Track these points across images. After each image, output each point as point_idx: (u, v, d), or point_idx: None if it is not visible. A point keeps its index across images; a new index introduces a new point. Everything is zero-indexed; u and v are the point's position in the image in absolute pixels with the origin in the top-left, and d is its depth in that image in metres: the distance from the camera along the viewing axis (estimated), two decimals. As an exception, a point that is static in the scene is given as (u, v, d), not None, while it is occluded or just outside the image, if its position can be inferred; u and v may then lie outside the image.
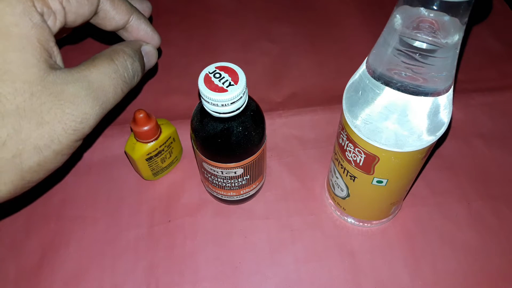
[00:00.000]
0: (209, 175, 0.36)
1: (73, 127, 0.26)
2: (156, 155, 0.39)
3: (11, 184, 0.26)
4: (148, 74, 0.51)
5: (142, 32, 0.33)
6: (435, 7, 0.22)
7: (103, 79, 0.28)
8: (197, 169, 0.42)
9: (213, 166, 0.34)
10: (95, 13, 0.30)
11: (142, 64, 0.32)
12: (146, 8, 0.35)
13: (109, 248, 0.38)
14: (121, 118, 0.47)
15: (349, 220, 0.39)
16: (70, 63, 0.29)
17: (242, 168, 0.35)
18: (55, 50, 0.27)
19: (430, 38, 0.24)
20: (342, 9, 0.58)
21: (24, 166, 0.25)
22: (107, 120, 0.47)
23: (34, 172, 0.26)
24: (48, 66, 0.25)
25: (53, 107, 0.25)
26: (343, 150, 0.32)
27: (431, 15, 0.23)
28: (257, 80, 0.50)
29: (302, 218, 0.40)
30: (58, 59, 0.27)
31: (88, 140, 0.45)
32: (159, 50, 0.36)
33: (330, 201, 0.40)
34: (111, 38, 0.35)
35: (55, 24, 0.27)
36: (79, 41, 0.53)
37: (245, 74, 0.31)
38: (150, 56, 0.34)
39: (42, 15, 0.25)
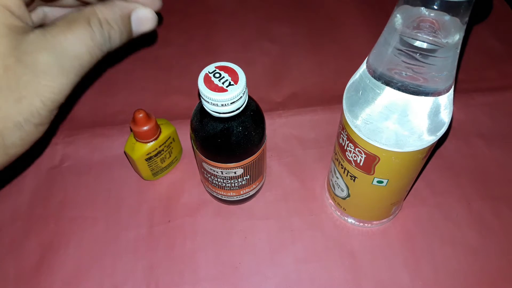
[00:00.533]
0: (209, 175, 0.36)
1: (51, 98, 0.25)
2: (155, 155, 0.39)
3: None
4: (150, 73, 0.51)
5: None
6: (435, 7, 0.22)
7: (79, 47, 0.26)
8: (197, 169, 0.42)
9: (213, 166, 0.34)
10: None
11: (126, 31, 0.29)
12: (157, 2, 0.31)
13: (109, 248, 0.38)
14: (121, 118, 0.47)
15: (350, 220, 0.39)
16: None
17: (242, 168, 0.35)
18: (25, 14, 0.25)
19: (430, 38, 0.24)
20: (342, 9, 0.58)
21: (7, 143, 0.25)
22: (107, 120, 0.47)
23: (18, 146, 0.26)
24: (19, 32, 0.24)
25: (30, 81, 0.24)
26: (343, 150, 0.32)
27: (432, 14, 0.23)
28: (257, 80, 0.50)
29: (302, 218, 0.40)
30: (30, 17, 0.25)
31: (89, 140, 0.45)
32: (160, 16, 0.32)
33: (330, 201, 0.40)
34: None
35: None
36: None
37: (245, 74, 0.31)
38: (143, 21, 0.30)
39: None
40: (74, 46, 0.25)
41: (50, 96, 0.25)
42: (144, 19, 0.30)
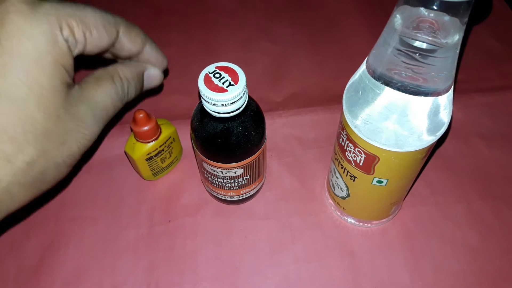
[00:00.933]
0: (209, 175, 0.36)
1: (84, 144, 0.30)
2: (156, 155, 0.39)
3: (32, 196, 0.29)
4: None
5: (152, 59, 0.36)
6: (435, 7, 0.22)
7: (106, 100, 0.31)
8: (197, 169, 0.42)
9: (213, 166, 0.34)
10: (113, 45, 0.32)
11: (140, 86, 0.35)
12: (163, 61, 0.37)
13: (109, 248, 0.38)
14: (121, 118, 0.47)
15: (349, 220, 0.39)
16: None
17: (242, 168, 0.35)
18: (72, 72, 0.29)
19: (430, 38, 0.24)
20: (342, 9, 0.58)
21: (45, 181, 0.29)
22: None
23: (48, 183, 0.29)
24: (68, 88, 0.28)
25: (72, 129, 0.28)
26: (343, 150, 0.32)
27: (431, 15, 0.23)
28: (257, 80, 0.50)
29: (302, 218, 0.40)
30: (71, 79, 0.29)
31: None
32: (165, 71, 0.38)
33: (330, 201, 0.40)
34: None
35: (76, 51, 0.29)
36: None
37: (245, 74, 0.31)
38: (153, 79, 0.36)
39: (67, 41, 0.27)
40: (102, 99, 0.30)
41: (84, 142, 0.30)
42: (153, 76, 0.36)
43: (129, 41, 0.32)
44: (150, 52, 0.35)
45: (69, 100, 0.28)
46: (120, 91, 0.32)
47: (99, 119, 0.30)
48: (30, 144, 0.26)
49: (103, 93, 0.31)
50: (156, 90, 0.48)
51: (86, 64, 0.34)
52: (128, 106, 0.47)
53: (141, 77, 0.35)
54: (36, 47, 0.25)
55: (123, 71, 0.33)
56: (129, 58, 0.35)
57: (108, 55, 0.34)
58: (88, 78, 0.31)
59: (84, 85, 0.30)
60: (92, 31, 0.29)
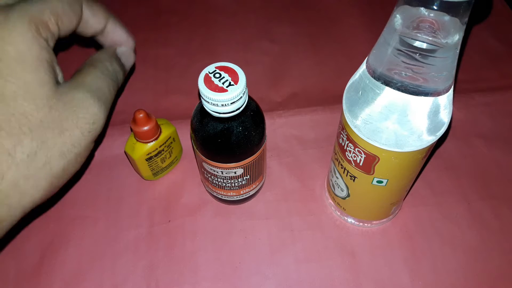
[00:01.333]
0: (209, 175, 0.36)
1: (88, 129, 0.30)
2: (156, 155, 0.39)
3: (43, 190, 0.29)
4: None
5: (117, 35, 0.36)
6: (435, 7, 0.22)
7: (96, 82, 0.32)
8: (197, 169, 0.42)
9: (213, 166, 0.34)
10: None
11: (120, 64, 0.36)
12: (128, 39, 0.38)
13: (109, 248, 0.38)
14: (121, 118, 0.47)
15: (349, 220, 0.39)
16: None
17: (242, 168, 0.35)
18: (57, 68, 0.30)
19: (430, 38, 0.24)
20: (342, 9, 0.58)
21: (53, 172, 0.29)
22: (108, 120, 0.47)
23: (60, 177, 0.30)
24: (56, 82, 0.29)
25: (69, 116, 0.29)
26: (343, 150, 0.32)
27: (431, 15, 0.23)
28: (257, 80, 0.50)
29: (302, 218, 0.40)
30: (60, 76, 0.31)
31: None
32: (135, 52, 0.39)
33: (330, 201, 0.40)
34: (90, 43, 0.38)
35: (52, 42, 0.30)
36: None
37: (245, 74, 0.31)
38: (126, 56, 0.38)
39: (43, 37, 0.28)
40: (93, 82, 0.31)
41: (87, 126, 0.30)
42: (125, 54, 0.38)
43: (92, 15, 0.33)
44: (114, 29, 0.36)
45: (60, 90, 0.29)
46: (105, 70, 0.33)
47: (99, 100, 0.31)
48: (27, 135, 0.27)
49: (91, 76, 0.32)
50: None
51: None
52: (128, 106, 0.48)
53: (116, 56, 0.36)
54: (17, 50, 0.27)
55: (97, 56, 0.35)
56: (95, 37, 0.36)
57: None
58: (74, 74, 0.32)
59: (72, 78, 0.31)
60: (63, 18, 0.30)
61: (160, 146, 0.39)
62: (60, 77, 0.30)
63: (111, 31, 0.36)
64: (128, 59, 0.38)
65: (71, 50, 0.54)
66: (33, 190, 0.28)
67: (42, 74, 0.28)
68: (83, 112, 0.30)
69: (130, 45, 0.38)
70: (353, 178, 0.33)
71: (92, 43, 0.37)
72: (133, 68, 0.50)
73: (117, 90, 0.35)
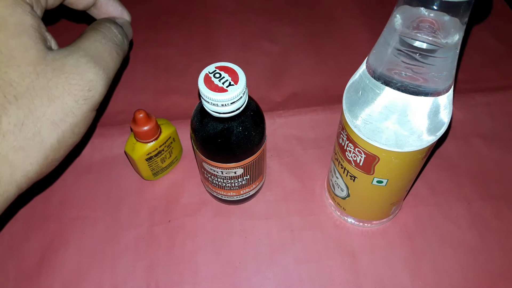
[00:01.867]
0: (209, 175, 0.36)
1: (83, 96, 0.27)
2: (156, 155, 0.39)
3: (36, 164, 0.27)
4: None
5: (111, 8, 0.35)
6: (435, 7, 0.22)
7: (96, 46, 0.29)
8: (197, 169, 0.42)
9: (213, 166, 0.34)
10: None
11: (123, 31, 0.34)
12: (122, 11, 0.36)
13: (109, 248, 0.38)
14: (121, 118, 0.47)
15: (349, 220, 0.39)
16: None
17: (242, 168, 0.35)
18: (48, 35, 0.28)
19: (430, 38, 0.24)
20: (342, 9, 0.58)
21: (45, 144, 0.27)
22: (107, 120, 0.47)
23: (56, 149, 0.27)
24: (45, 47, 0.27)
25: (59, 82, 0.27)
26: (343, 150, 0.32)
27: (431, 15, 0.23)
28: (257, 80, 0.50)
29: (302, 218, 0.40)
30: (53, 43, 0.29)
31: (87, 136, 0.45)
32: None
33: (330, 201, 0.40)
34: (84, 18, 0.37)
35: (41, 10, 0.28)
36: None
37: (245, 74, 0.31)
38: (126, 27, 0.35)
39: (31, 6, 0.27)
40: (91, 46, 0.29)
41: (81, 93, 0.27)
42: (125, 25, 0.35)
43: None
44: (108, 1, 0.34)
45: (51, 56, 0.27)
46: (108, 34, 0.31)
47: (96, 66, 0.28)
48: (13, 104, 0.25)
49: (89, 41, 0.29)
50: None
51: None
52: (128, 106, 0.48)
53: (117, 24, 0.34)
54: None
55: (101, 20, 0.33)
56: (88, 10, 0.34)
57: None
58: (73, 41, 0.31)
59: (71, 44, 0.29)
60: None
61: (160, 146, 0.39)
62: (53, 44, 0.28)
63: (105, 3, 0.34)
64: (128, 29, 0.35)
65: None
66: (25, 164, 0.26)
67: (25, 39, 0.26)
68: (77, 79, 0.27)
69: (126, 18, 0.36)
70: (353, 178, 0.33)
71: (86, 17, 0.36)
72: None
73: (123, 58, 0.32)
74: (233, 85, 0.30)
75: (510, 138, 0.45)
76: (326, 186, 0.41)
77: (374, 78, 0.27)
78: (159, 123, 0.39)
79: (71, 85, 0.27)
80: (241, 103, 0.31)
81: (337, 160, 0.34)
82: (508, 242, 0.38)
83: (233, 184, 0.37)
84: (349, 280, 0.36)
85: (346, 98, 0.30)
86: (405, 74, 0.25)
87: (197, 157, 0.36)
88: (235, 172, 0.35)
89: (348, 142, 0.30)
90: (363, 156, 0.30)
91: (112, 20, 0.33)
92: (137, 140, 0.38)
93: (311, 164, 0.43)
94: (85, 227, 0.39)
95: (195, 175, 0.42)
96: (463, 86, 0.48)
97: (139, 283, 0.36)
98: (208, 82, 0.30)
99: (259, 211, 0.40)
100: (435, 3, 0.22)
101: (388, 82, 0.26)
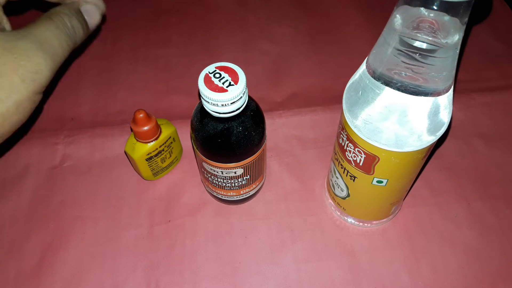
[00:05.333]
0: (209, 175, 0.36)
1: (30, 77, 0.29)
2: (156, 155, 0.39)
3: None
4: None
5: None
6: (435, 7, 0.22)
7: (47, 35, 0.31)
8: (197, 169, 0.42)
9: (213, 166, 0.34)
10: None
11: (82, 21, 0.34)
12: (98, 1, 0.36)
13: (109, 248, 0.38)
14: (121, 118, 0.47)
15: (349, 220, 0.39)
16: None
17: (242, 168, 0.35)
18: (4, 18, 0.30)
19: (430, 38, 0.24)
20: (343, 9, 0.58)
21: None
22: (108, 120, 0.47)
23: (0, 124, 0.29)
24: None
25: (7, 61, 0.28)
26: (343, 150, 0.32)
27: (431, 15, 0.23)
28: (257, 80, 0.50)
29: (302, 218, 0.40)
30: (7, 26, 0.30)
31: (86, 136, 0.45)
32: (104, 17, 0.37)
33: (330, 201, 0.40)
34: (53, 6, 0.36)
35: None
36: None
37: (245, 74, 0.31)
38: (91, 13, 0.36)
39: None
40: (43, 34, 0.30)
41: (29, 75, 0.29)
42: (90, 11, 0.35)
43: None
44: None
45: (3, 37, 0.28)
46: (61, 25, 0.32)
47: (45, 53, 0.30)
48: None
49: (43, 28, 0.31)
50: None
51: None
52: (128, 106, 0.48)
53: (79, 12, 0.35)
54: None
55: (59, 9, 0.33)
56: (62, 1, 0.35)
57: None
58: (27, 25, 0.32)
59: (22, 28, 0.31)
60: None
61: (160, 146, 0.39)
62: (7, 26, 0.30)
63: None
64: (93, 17, 0.36)
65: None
66: None
67: None
68: (25, 60, 0.28)
69: (97, 4, 0.36)
70: (353, 178, 0.33)
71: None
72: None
73: (73, 48, 0.33)
74: (233, 85, 0.30)
75: (510, 138, 0.45)
76: (326, 186, 0.41)
77: (374, 78, 0.27)
78: (159, 123, 0.39)
79: (20, 66, 0.28)
80: (241, 103, 0.31)
81: (337, 160, 0.34)
82: (508, 242, 0.38)
83: (233, 184, 0.37)
84: (349, 280, 0.36)
85: (346, 98, 0.30)
86: (405, 74, 0.25)
87: (197, 157, 0.36)
88: (235, 172, 0.35)
89: (348, 142, 0.30)
90: (363, 156, 0.30)
91: (71, 10, 0.34)
92: (137, 140, 0.38)
93: (311, 164, 0.43)
94: (85, 227, 0.39)
95: (195, 175, 0.42)
96: (463, 86, 0.48)
97: (139, 283, 0.36)
98: (208, 82, 0.30)
99: (259, 211, 0.40)
100: (435, 3, 0.22)
101: (388, 82, 0.26)
